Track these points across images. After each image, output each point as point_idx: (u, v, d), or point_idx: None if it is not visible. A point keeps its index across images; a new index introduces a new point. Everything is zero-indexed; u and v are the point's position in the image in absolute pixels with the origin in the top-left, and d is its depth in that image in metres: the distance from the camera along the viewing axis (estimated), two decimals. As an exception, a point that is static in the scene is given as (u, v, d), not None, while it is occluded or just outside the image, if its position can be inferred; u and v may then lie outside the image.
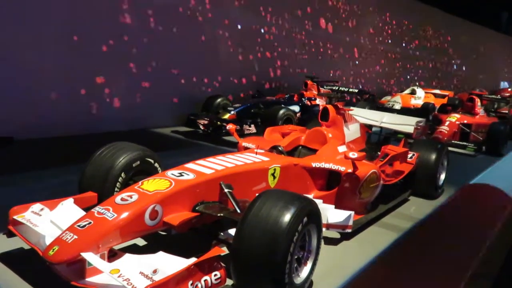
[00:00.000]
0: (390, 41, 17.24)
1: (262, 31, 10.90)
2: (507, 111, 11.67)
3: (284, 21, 11.58)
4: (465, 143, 8.12)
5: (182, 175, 2.87)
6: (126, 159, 3.20)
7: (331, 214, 3.35)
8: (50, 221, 2.64)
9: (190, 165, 3.11)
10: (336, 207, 3.45)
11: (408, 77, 18.46)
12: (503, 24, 30.16)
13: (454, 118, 8.58)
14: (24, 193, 4.07)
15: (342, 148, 4.10)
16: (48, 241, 2.39)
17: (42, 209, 2.74)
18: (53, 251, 2.26)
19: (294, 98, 9.59)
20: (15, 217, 2.69)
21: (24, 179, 4.61)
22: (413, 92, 13.05)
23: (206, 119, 7.43)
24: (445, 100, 12.12)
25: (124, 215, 2.46)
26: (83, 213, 2.66)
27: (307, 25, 12.53)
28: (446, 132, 8.29)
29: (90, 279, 2.25)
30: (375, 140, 5.99)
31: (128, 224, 2.45)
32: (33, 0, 6.32)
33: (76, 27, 6.89)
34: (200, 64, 9.21)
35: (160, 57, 8.33)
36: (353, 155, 3.51)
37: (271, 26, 11.15)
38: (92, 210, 2.54)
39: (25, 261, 2.82)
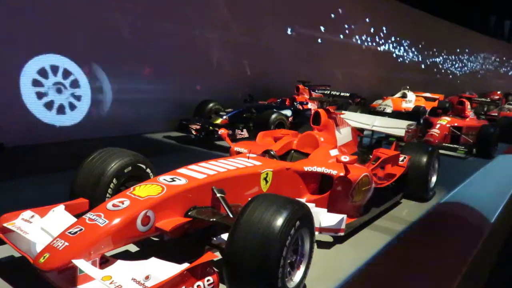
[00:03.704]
0: (381, 45, 17.37)
1: (257, 34, 10.93)
2: (496, 114, 11.80)
3: (278, 25, 11.63)
4: (455, 146, 8.21)
5: (174, 180, 2.86)
6: (118, 165, 3.18)
7: (323, 217, 3.36)
8: (40, 228, 2.61)
9: (182, 170, 3.10)
10: (328, 211, 3.47)
11: (398, 79, 18.59)
12: (491, 27, 30.58)
13: (445, 121, 8.66)
14: (14, 200, 4.02)
15: (334, 152, 4.11)
16: (38, 249, 2.37)
17: (32, 216, 2.72)
18: (44, 258, 2.24)
19: (286, 103, 9.63)
20: (5, 224, 2.66)
21: (14, 186, 4.57)
22: (404, 96, 13.14)
23: (198, 124, 7.42)
24: (435, 103, 12.25)
25: (116, 221, 2.44)
26: (74, 219, 2.64)
27: (301, 29, 12.58)
28: (437, 135, 8.36)
29: (82, 286, 2.24)
30: (366, 144, 6.03)
31: (120, 230, 2.44)
32: (24, 1, 6.31)
33: (67, 31, 6.86)
34: (192, 68, 9.20)
35: (151, 62, 8.32)
36: (345, 158, 3.52)
37: (265, 30, 11.19)
38: (84, 216, 2.52)
39: (16, 269, 2.79)
